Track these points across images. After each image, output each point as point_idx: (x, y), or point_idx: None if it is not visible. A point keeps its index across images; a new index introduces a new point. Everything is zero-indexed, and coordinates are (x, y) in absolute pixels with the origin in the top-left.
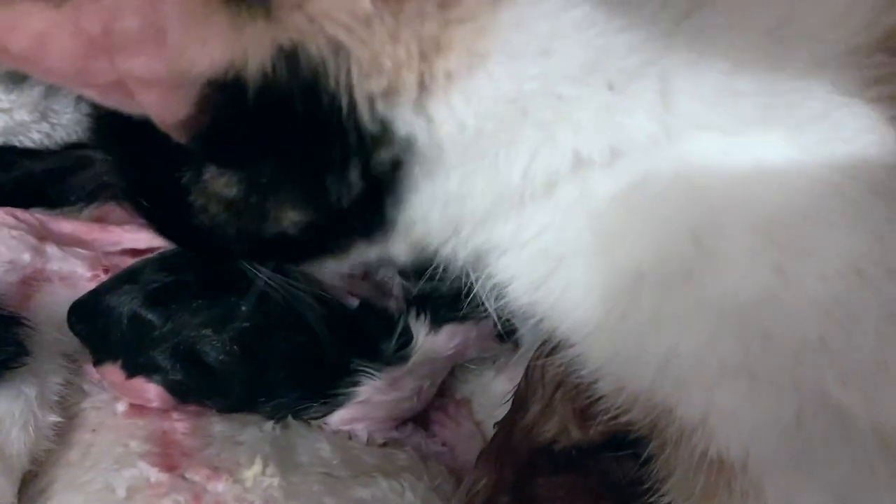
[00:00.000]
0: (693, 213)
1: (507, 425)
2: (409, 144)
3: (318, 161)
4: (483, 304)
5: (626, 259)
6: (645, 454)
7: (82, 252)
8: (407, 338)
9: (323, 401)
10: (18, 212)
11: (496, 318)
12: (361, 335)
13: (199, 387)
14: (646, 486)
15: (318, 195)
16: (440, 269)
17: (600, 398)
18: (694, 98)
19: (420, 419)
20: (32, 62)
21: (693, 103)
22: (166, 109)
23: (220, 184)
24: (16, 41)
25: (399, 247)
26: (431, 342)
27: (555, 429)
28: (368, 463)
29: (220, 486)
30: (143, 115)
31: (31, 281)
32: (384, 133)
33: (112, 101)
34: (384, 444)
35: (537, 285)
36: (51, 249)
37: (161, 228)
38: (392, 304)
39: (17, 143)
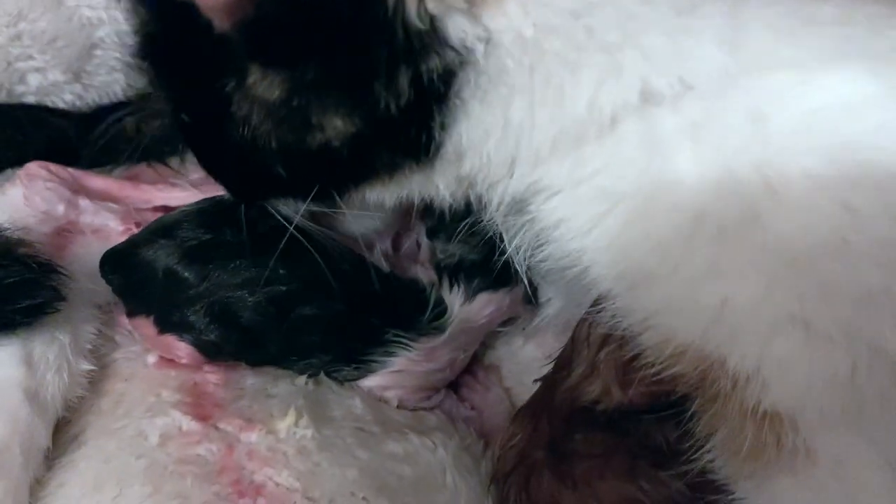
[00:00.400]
0: (761, 151)
1: (549, 384)
2: (463, 56)
3: (365, 62)
4: (514, 268)
5: (689, 200)
6: (690, 410)
7: (114, 206)
8: (441, 309)
9: (355, 365)
10: (52, 165)
11: (526, 281)
12: (396, 305)
13: (231, 347)
14: (688, 445)
15: (364, 101)
16: (473, 226)
17: (645, 353)
18: (766, 28)
19: (450, 383)
20: None
21: (765, 33)
22: None
23: (264, 86)
24: None
25: (445, 179)
26: (466, 312)
27: (598, 390)
28: (400, 421)
29: (253, 436)
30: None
31: (65, 233)
32: (433, 34)
33: None
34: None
35: (589, 228)
36: (84, 202)
37: (201, 151)
38: (421, 275)
39: (50, 104)
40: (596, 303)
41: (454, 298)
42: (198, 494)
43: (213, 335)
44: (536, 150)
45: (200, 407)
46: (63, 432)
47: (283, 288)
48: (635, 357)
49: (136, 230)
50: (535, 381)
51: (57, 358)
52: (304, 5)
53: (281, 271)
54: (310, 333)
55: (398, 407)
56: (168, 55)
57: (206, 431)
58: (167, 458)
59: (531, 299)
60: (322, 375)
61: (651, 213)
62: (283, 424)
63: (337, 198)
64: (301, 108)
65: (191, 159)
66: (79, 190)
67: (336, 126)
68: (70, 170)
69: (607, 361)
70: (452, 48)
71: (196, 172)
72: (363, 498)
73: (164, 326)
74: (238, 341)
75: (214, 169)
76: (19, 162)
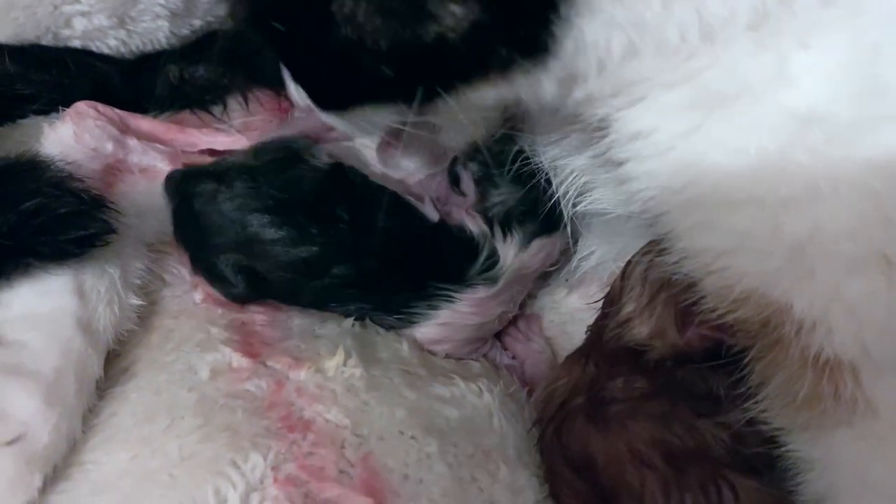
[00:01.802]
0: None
1: (597, 326)
2: None
3: None
4: (561, 211)
5: (802, 104)
6: (746, 357)
7: (162, 147)
8: (493, 260)
9: (397, 316)
10: (100, 105)
11: (569, 224)
12: (443, 257)
13: (257, 299)
14: (739, 393)
15: None
16: (520, 170)
17: (707, 297)
18: None
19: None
20: None
21: None
22: None
23: None
24: None
25: (552, 81)
26: (521, 260)
27: (650, 331)
28: (445, 367)
29: (301, 374)
30: None
31: (113, 171)
32: None
33: None
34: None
35: (670, 146)
36: (132, 142)
37: (295, 60)
38: (469, 224)
39: (94, 49)
40: (650, 246)
41: (508, 248)
42: (247, 427)
43: (240, 287)
44: (659, 49)
45: (249, 345)
46: (114, 364)
47: (315, 249)
48: (697, 301)
49: None
50: (587, 329)
51: (108, 291)
52: None
53: (313, 230)
54: (344, 288)
55: (445, 357)
56: None
57: (254, 368)
58: (217, 392)
59: (568, 245)
60: (368, 319)
61: (753, 123)
62: (332, 363)
63: (441, 99)
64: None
65: (233, 106)
66: (126, 130)
67: (454, 14)
68: (117, 110)
69: (667, 302)
70: None
71: (239, 118)
72: (412, 437)
73: (196, 266)
74: (265, 295)
75: (309, 79)
76: (65, 104)
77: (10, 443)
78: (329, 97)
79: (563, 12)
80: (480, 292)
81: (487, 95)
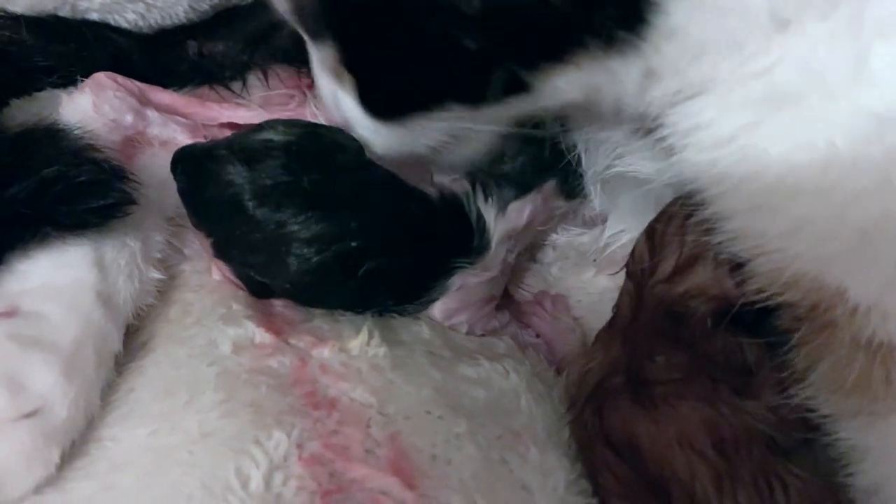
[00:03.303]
0: None
1: (630, 293)
2: None
3: None
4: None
5: (876, 102)
6: (791, 342)
7: (182, 120)
8: (483, 223)
9: (418, 302)
10: (119, 77)
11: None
12: (454, 233)
13: (282, 295)
14: (785, 377)
15: None
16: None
17: (755, 278)
18: None
19: (517, 314)
20: None
21: None
22: None
23: None
24: None
25: (638, 71)
26: (503, 223)
27: (692, 284)
28: (469, 347)
29: (325, 352)
30: None
31: (133, 143)
32: None
33: None
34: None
35: (732, 136)
36: (152, 114)
37: (360, 49)
38: (455, 187)
39: (113, 22)
40: (677, 205)
41: (489, 211)
42: (271, 404)
43: (266, 280)
44: (732, 41)
45: (272, 323)
46: (132, 339)
47: (354, 244)
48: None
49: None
50: (615, 306)
51: (128, 264)
52: None
53: (352, 224)
54: (375, 286)
55: (467, 334)
56: None
57: (278, 344)
58: (239, 367)
59: (572, 192)
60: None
61: (825, 120)
62: (356, 342)
63: (517, 93)
64: None
65: (253, 83)
66: (146, 102)
67: None
68: (137, 83)
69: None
70: None
71: (259, 94)
72: (439, 416)
73: (220, 254)
74: (292, 293)
75: (372, 73)
76: (84, 77)
77: (27, 416)
78: (389, 99)
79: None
80: (482, 257)
81: (568, 85)
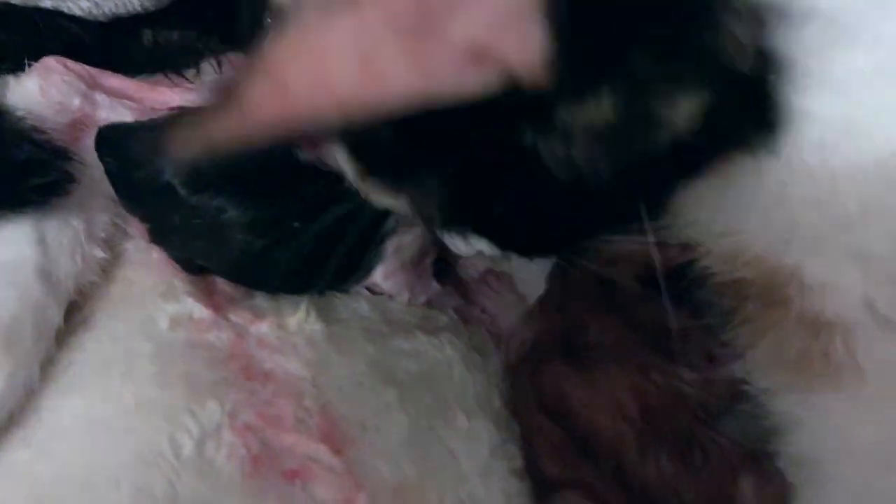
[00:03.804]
0: None
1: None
2: None
3: (694, 17)
4: None
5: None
6: (737, 317)
7: (131, 104)
8: None
9: (360, 274)
10: (69, 61)
11: None
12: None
13: (230, 279)
14: (719, 347)
15: (707, 62)
16: None
17: (709, 258)
18: None
19: (464, 291)
20: (368, 90)
21: None
22: (525, 50)
23: (589, 111)
24: (339, 76)
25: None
26: None
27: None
28: (409, 321)
29: (263, 327)
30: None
31: (80, 125)
32: None
33: (472, 81)
34: (427, 303)
35: None
36: (100, 97)
37: (513, 239)
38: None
39: (66, 10)
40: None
41: None
42: (206, 376)
43: (208, 264)
44: None
45: (212, 299)
46: (74, 315)
47: (295, 225)
48: None
49: None
50: (548, 276)
51: (70, 242)
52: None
53: (291, 207)
54: (319, 266)
55: (409, 302)
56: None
57: (216, 320)
58: (176, 341)
59: None
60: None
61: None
62: (293, 319)
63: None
64: (644, 109)
65: (207, 70)
66: (95, 86)
67: (683, 108)
68: (87, 67)
69: None
70: None
71: (211, 78)
72: (371, 388)
73: (157, 239)
74: (235, 277)
75: (532, 249)
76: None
77: None
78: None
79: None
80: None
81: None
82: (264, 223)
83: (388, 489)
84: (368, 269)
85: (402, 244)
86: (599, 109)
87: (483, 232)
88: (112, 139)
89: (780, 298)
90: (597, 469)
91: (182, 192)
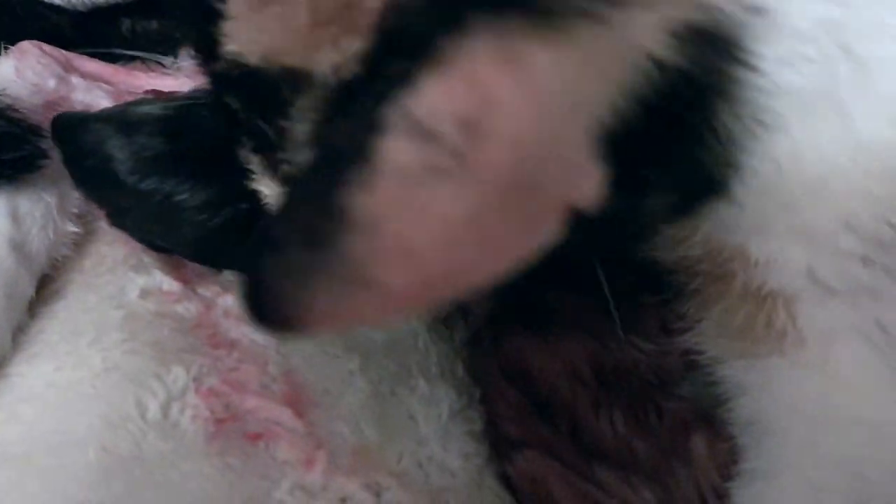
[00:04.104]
0: None
1: None
2: None
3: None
4: None
5: None
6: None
7: (107, 87)
8: None
9: None
10: (45, 45)
11: None
12: None
13: (191, 259)
14: (677, 327)
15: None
16: None
17: (657, 239)
18: None
19: None
20: (486, 259)
21: None
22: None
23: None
24: (457, 250)
25: None
26: None
27: None
28: None
29: (230, 299)
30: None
31: (56, 106)
32: None
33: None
34: None
35: None
36: (76, 80)
37: None
38: None
39: None
40: None
41: None
42: (173, 343)
43: (168, 245)
44: None
45: (181, 273)
46: (46, 287)
47: (244, 206)
48: None
49: None
50: None
51: (43, 216)
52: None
53: (240, 187)
54: None
55: None
56: None
57: (185, 292)
58: (145, 311)
59: None
60: None
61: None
62: None
63: None
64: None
65: (184, 59)
66: (71, 70)
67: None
68: (63, 51)
69: None
70: None
71: (188, 65)
72: (335, 355)
73: (116, 223)
74: (195, 257)
75: None
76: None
77: None
78: None
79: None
80: None
81: None
82: (215, 204)
83: (348, 449)
84: None
85: None
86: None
87: None
88: (66, 127)
89: (725, 272)
90: (554, 429)
91: (130, 179)
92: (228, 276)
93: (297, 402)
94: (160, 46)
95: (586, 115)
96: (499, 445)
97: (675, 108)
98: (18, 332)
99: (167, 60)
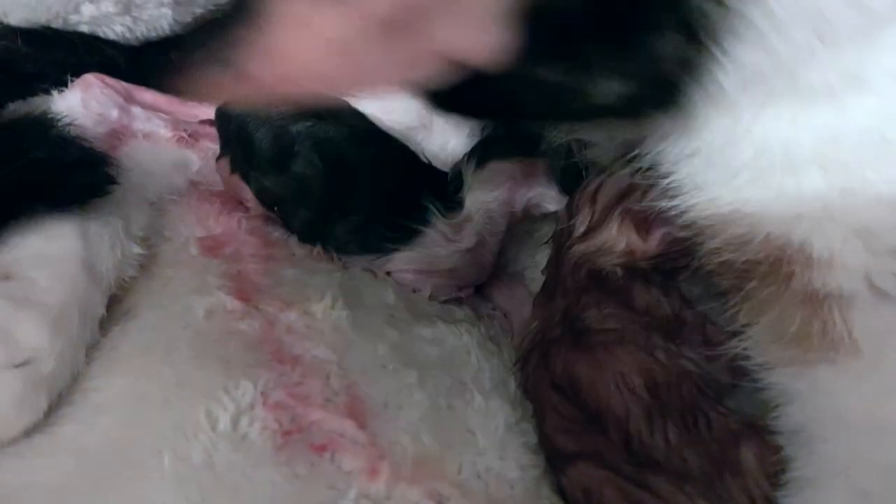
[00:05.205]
0: None
1: (555, 253)
2: None
3: (636, 20)
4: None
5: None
6: (735, 298)
7: (164, 116)
8: (459, 182)
9: (391, 229)
10: (106, 77)
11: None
12: (431, 170)
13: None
14: (727, 330)
15: (638, 58)
16: None
17: (726, 245)
18: None
19: (478, 288)
20: (352, 79)
21: None
22: (489, 50)
23: (543, 70)
24: (328, 64)
25: None
26: (479, 181)
27: (601, 244)
28: (429, 311)
29: (291, 315)
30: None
31: (119, 135)
32: None
33: (438, 73)
34: (444, 302)
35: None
36: (136, 110)
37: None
38: None
39: (102, 34)
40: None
41: (468, 166)
42: (239, 359)
43: (269, 181)
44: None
45: (242, 291)
46: (116, 308)
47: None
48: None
49: (185, 136)
50: (543, 270)
51: (111, 238)
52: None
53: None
54: (354, 186)
55: (430, 298)
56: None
57: (247, 310)
58: (212, 329)
59: (561, 187)
60: (356, 270)
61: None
62: (320, 306)
63: None
64: (576, 84)
65: None
66: (131, 100)
67: (611, 90)
68: (123, 83)
69: (623, 214)
70: None
71: None
72: (393, 369)
73: (234, 166)
74: (288, 187)
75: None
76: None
77: (18, 365)
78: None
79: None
80: (455, 217)
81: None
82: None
83: (410, 459)
84: (397, 243)
85: (436, 253)
86: (545, 74)
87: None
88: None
89: (784, 275)
90: (607, 441)
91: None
92: (289, 289)
93: (358, 414)
94: None
95: None
96: (552, 457)
97: None
98: (92, 349)
99: None
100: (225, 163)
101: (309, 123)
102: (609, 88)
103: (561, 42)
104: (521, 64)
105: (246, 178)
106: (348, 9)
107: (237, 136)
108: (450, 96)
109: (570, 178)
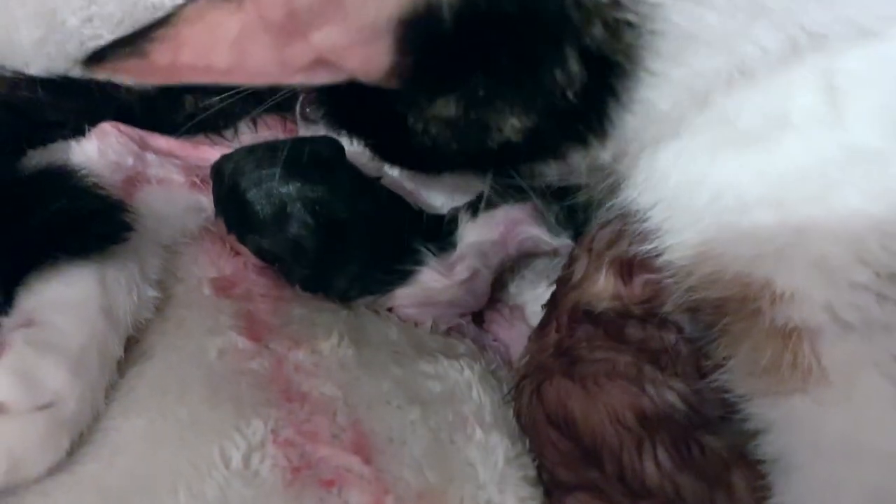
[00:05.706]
0: None
1: (553, 297)
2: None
3: (531, 56)
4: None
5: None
6: (714, 332)
7: (177, 162)
8: (454, 226)
9: (388, 276)
10: (121, 125)
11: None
12: (420, 215)
13: (280, 252)
14: (707, 365)
15: (537, 94)
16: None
17: (692, 279)
18: None
19: (477, 319)
20: (237, 72)
21: None
22: (370, 65)
23: (439, 107)
24: (217, 57)
25: (608, 152)
26: (472, 228)
27: (597, 290)
28: (432, 346)
29: (300, 354)
30: (351, 79)
31: (133, 181)
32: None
33: (320, 79)
34: (447, 332)
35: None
36: (150, 156)
37: (387, 156)
38: None
39: (117, 81)
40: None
41: (464, 214)
42: (250, 398)
43: (265, 243)
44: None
45: (253, 331)
46: (133, 349)
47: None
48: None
49: (197, 181)
50: (542, 306)
51: (127, 282)
52: (462, 31)
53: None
54: (347, 240)
55: (432, 330)
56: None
57: (258, 349)
58: (224, 369)
59: (556, 230)
60: (361, 308)
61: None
62: (327, 344)
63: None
64: (478, 119)
65: (243, 129)
66: (145, 147)
67: (514, 125)
68: (137, 130)
69: (612, 259)
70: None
71: (249, 138)
72: (397, 406)
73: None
74: (284, 247)
75: (397, 163)
76: (91, 128)
77: (42, 408)
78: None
79: (622, 98)
80: (449, 256)
81: (551, 168)
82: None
83: (413, 493)
84: (395, 282)
85: (432, 286)
86: (447, 108)
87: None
88: (217, 168)
89: (752, 310)
90: (603, 472)
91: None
92: (298, 328)
93: (364, 449)
94: (220, 119)
95: None
96: (551, 489)
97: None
98: (111, 390)
99: (227, 133)
100: (220, 223)
101: (299, 184)
102: (510, 123)
103: (446, 69)
104: (412, 88)
105: (242, 240)
106: (242, 10)
107: (229, 196)
108: (345, 112)
109: (570, 219)
